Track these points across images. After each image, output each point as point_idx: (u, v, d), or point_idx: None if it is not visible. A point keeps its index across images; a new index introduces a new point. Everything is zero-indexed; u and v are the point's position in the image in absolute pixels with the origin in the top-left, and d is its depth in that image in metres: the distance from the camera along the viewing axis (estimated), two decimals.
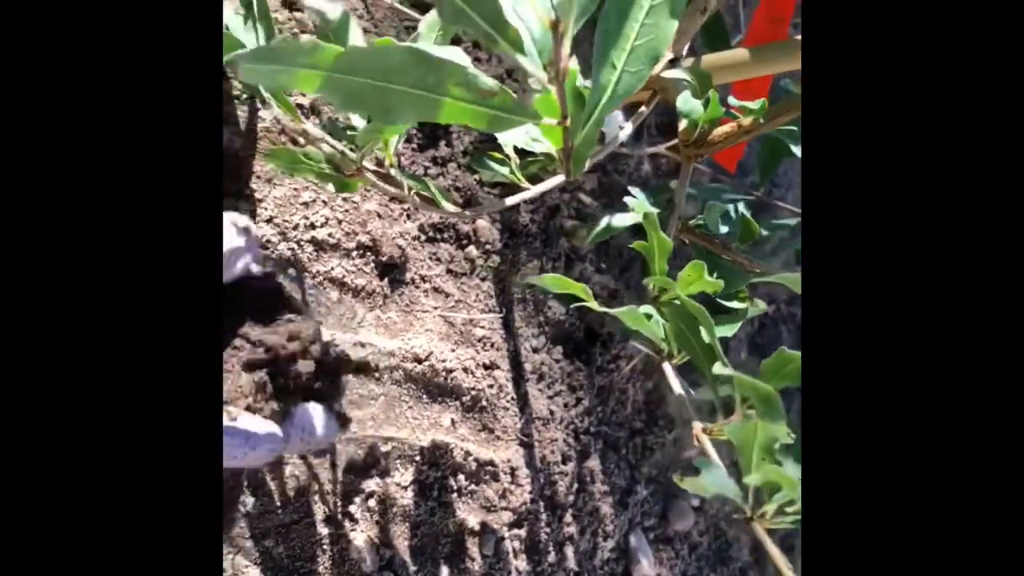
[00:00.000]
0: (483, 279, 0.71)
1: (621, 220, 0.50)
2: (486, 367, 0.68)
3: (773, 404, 0.33)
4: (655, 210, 0.43)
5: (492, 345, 0.70)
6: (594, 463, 0.76)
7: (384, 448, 0.62)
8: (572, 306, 0.40)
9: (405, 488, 0.62)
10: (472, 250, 0.70)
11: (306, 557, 0.58)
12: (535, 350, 0.74)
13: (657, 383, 0.85)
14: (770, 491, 0.36)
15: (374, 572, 0.60)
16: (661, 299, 0.44)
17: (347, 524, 0.60)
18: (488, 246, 0.71)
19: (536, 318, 0.74)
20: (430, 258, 0.68)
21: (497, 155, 0.52)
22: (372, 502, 0.61)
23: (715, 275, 0.45)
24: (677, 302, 0.41)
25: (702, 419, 0.40)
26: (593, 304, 0.40)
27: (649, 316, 0.44)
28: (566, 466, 0.73)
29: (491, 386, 0.68)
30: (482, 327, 0.69)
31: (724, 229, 0.51)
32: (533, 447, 0.70)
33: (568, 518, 0.72)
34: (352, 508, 0.60)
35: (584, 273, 0.77)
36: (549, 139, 0.39)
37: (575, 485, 0.73)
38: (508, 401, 0.69)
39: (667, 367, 0.44)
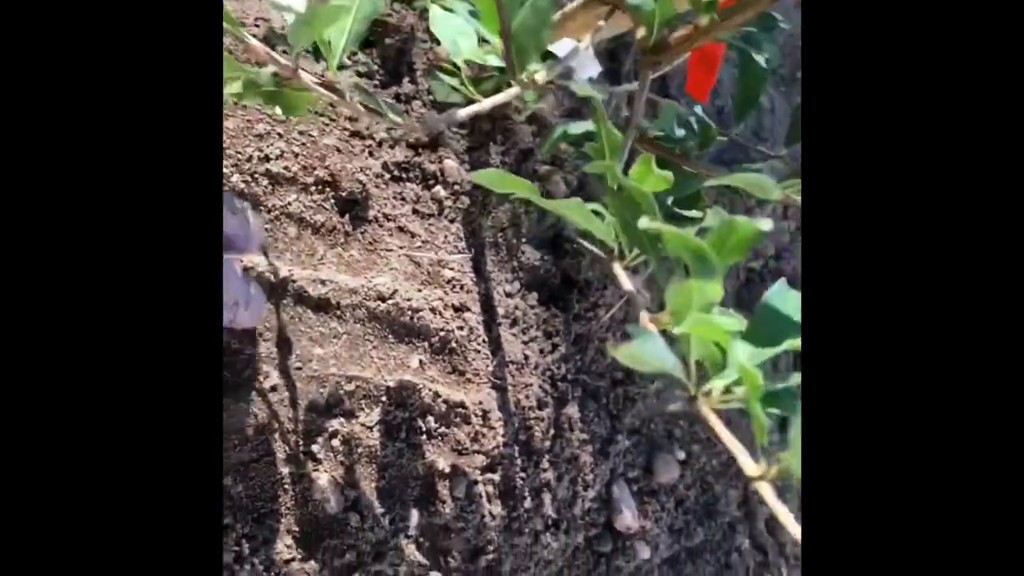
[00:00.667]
0: (452, 220, 0.69)
1: (577, 127, 0.48)
2: (456, 309, 0.67)
3: (706, 261, 0.32)
4: (600, 95, 0.41)
5: (462, 287, 0.68)
6: (572, 411, 0.74)
7: (348, 387, 0.61)
8: (513, 196, 0.39)
9: (370, 428, 0.61)
10: (440, 190, 0.68)
11: (267, 497, 0.57)
12: (508, 295, 0.72)
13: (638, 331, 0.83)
14: (714, 366, 0.34)
15: (339, 513, 0.59)
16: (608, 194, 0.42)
17: (309, 464, 0.59)
18: (456, 187, 0.69)
19: (509, 263, 0.73)
20: (395, 197, 0.67)
21: (447, 66, 0.51)
22: (336, 442, 0.60)
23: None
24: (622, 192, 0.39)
25: (653, 310, 0.39)
26: (539, 199, 0.38)
27: (598, 214, 0.42)
28: (542, 411, 0.71)
29: (461, 328, 0.67)
30: (451, 269, 0.68)
31: (680, 132, 0.49)
32: (507, 391, 0.69)
33: (545, 464, 0.71)
34: (315, 448, 0.59)
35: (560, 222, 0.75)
36: (487, 26, 0.37)
37: (552, 431, 0.72)
38: (480, 344, 0.68)
39: (617, 267, 0.42)
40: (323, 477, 0.59)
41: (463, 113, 0.47)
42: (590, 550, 0.76)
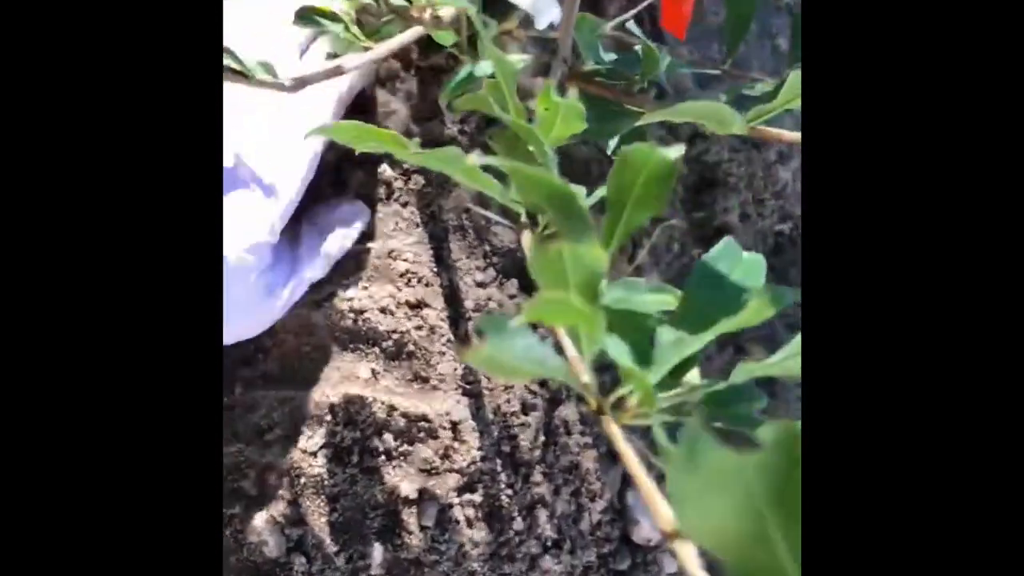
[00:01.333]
0: (404, 204, 0.60)
1: (485, 66, 0.38)
2: (411, 306, 0.57)
3: (574, 212, 0.22)
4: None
5: (419, 280, 0.59)
6: (568, 411, 0.64)
7: (282, 409, 0.52)
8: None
9: (313, 455, 0.52)
10: (386, 170, 0.59)
11: None
12: (480, 284, 0.62)
13: None
14: (624, 372, 0.24)
15: (280, 556, 0.50)
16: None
17: (239, 503, 0.50)
18: (407, 165, 0.60)
19: (480, 247, 0.63)
20: (331, 185, 0.57)
21: (324, 8, 0.41)
22: (271, 475, 0.51)
23: (594, 119, 0.33)
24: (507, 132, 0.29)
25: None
26: (405, 153, 0.29)
27: (489, 168, 0.32)
28: (528, 416, 0.61)
29: (419, 328, 0.57)
30: (404, 260, 0.58)
31: (609, 57, 0.39)
32: (481, 396, 0.59)
33: (537, 477, 0.61)
34: (245, 484, 0.50)
35: None
36: None
37: (542, 438, 0.62)
38: (444, 345, 0.58)
39: (527, 236, 0.32)
40: (258, 516, 0.50)
41: (349, 63, 0.38)
42: (605, 569, 0.66)
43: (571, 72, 0.39)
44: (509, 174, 0.29)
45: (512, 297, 0.64)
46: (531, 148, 0.29)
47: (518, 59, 0.33)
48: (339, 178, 0.58)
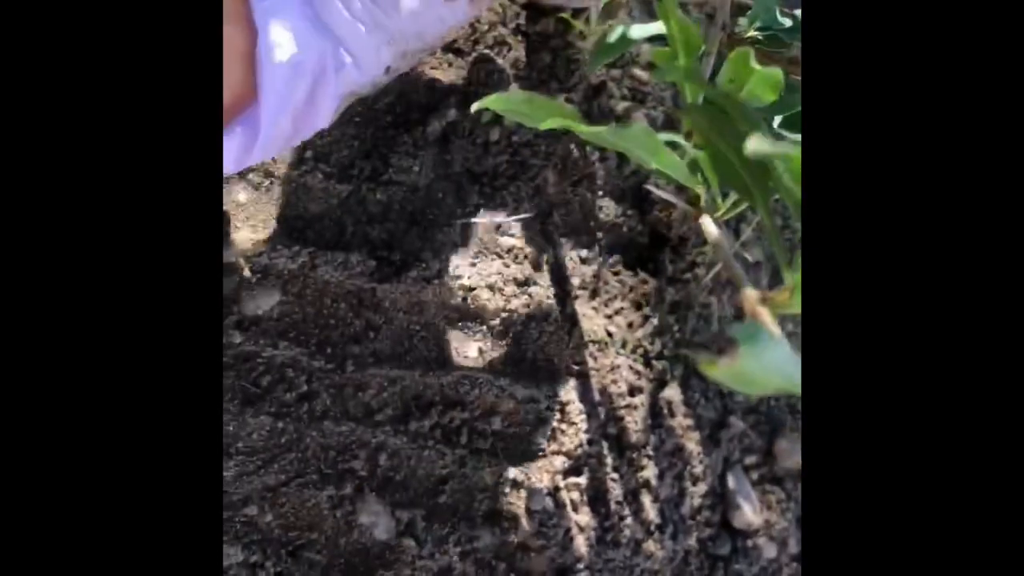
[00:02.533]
0: (510, 178, 0.58)
1: (641, 29, 0.36)
2: (519, 283, 0.56)
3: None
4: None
5: (525, 257, 0.57)
6: (673, 393, 0.62)
7: (392, 389, 0.51)
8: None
9: (423, 436, 0.51)
10: (492, 143, 0.57)
11: (302, 526, 0.48)
12: (585, 261, 0.60)
13: None
14: None
15: (390, 539, 0.49)
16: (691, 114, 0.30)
17: (350, 484, 0.49)
18: (515, 137, 0.58)
19: (585, 223, 0.61)
20: (437, 157, 0.55)
21: None
22: (382, 456, 0.50)
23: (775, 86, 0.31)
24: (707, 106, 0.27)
25: (759, 286, 0.26)
26: (583, 128, 0.27)
27: (675, 146, 0.30)
28: (635, 398, 0.59)
29: (527, 306, 0.55)
30: (511, 235, 0.56)
31: (787, 23, 0.35)
32: (589, 377, 0.57)
33: (642, 460, 0.59)
34: (356, 464, 0.49)
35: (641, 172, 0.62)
36: None
37: (648, 420, 0.60)
38: (551, 324, 0.56)
39: (707, 222, 0.30)
40: (369, 498, 0.49)
41: None
42: (704, 554, 0.64)
43: (729, 39, 0.36)
44: (708, 157, 0.26)
45: (616, 273, 0.62)
46: (733, 116, 0.26)
47: (689, 25, 0.30)
48: (446, 152, 0.56)
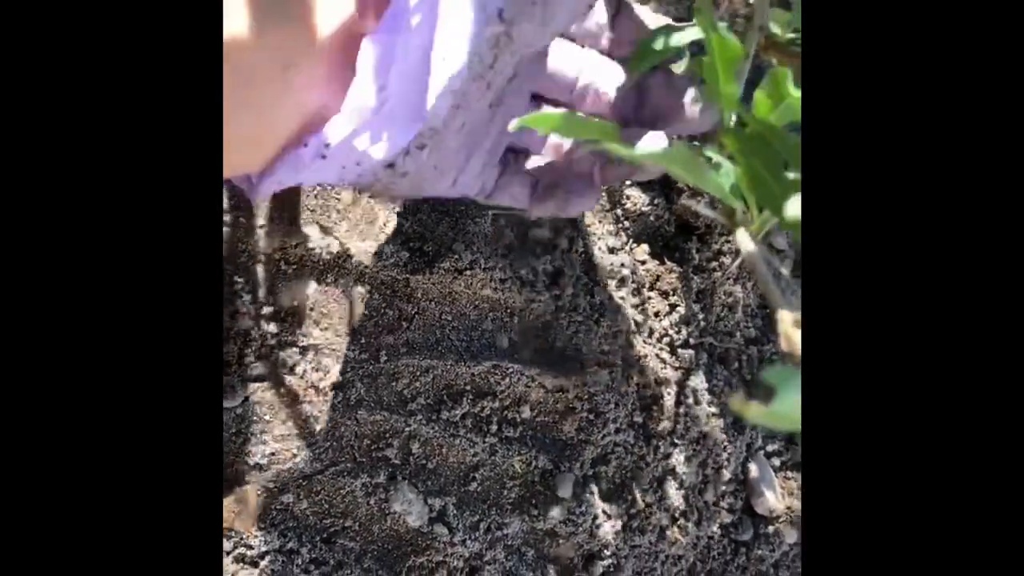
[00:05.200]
0: None
1: (681, 35, 0.36)
2: (548, 274, 0.56)
3: None
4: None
5: (555, 247, 0.57)
6: (698, 381, 0.62)
7: (425, 379, 0.51)
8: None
9: (455, 424, 0.51)
10: None
11: (336, 513, 0.49)
12: (612, 250, 0.60)
13: None
14: None
15: (423, 526, 0.50)
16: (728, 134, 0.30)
17: (384, 471, 0.50)
18: None
19: (611, 212, 0.61)
20: None
21: None
22: (415, 444, 0.51)
23: None
24: (747, 130, 0.27)
25: (795, 308, 0.27)
26: (622, 149, 0.27)
27: (710, 160, 0.30)
28: (661, 387, 0.60)
29: (557, 297, 0.56)
30: (540, 226, 0.57)
31: None
32: (616, 367, 0.57)
33: (667, 448, 0.60)
34: (389, 452, 0.50)
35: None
36: None
37: (674, 409, 0.60)
38: (581, 314, 0.57)
39: (742, 234, 0.30)
40: (402, 486, 0.50)
41: None
42: (727, 539, 0.65)
43: (766, 41, 0.36)
44: (745, 176, 0.27)
45: (642, 263, 0.62)
46: (771, 141, 0.26)
47: (731, 40, 0.30)
48: None
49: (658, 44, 0.35)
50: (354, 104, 0.31)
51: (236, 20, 0.28)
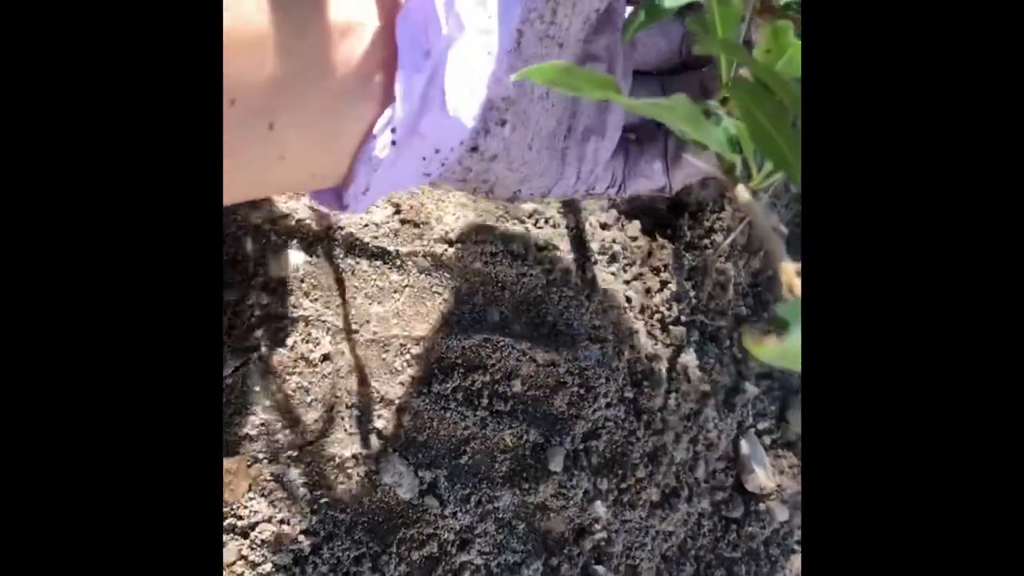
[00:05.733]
0: None
1: None
2: (539, 248, 0.56)
3: None
4: None
5: (546, 221, 0.57)
6: (688, 358, 0.63)
7: (415, 351, 0.51)
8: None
9: (445, 397, 0.51)
10: None
11: (326, 484, 0.49)
12: (604, 226, 0.60)
13: (766, 262, 0.70)
14: None
15: (414, 498, 0.50)
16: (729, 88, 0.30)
17: (375, 442, 0.50)
18: None
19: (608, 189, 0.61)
20: None
21: None
22: (405, 416, 0.50)
23: None
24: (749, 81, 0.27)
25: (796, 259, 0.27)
26: (624, 99, 0.27)
27: (709, 114, 0.30)
28: (652, 363, 0.60)
29: (548, 271, 0.56)
30: (532, 200, 0.56)
31: None
32: (607, 342, 0.57)
33: (658, 424, 0.60)
34: (379, 424, 0.50)
35: None
36: None
37: (665, 385, 0.60)
38: (572, 289, 0.57)
39: (742, 191, 0.30)
40: (392, 458, 0.50)
41: None
42: (717, 516, 0.65)
43: (762, 4, 0.36)
44: (746, 128, 0.27)
45: (634, 239, 0.62)
46: (775, 90, 0.26)
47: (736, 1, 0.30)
48: None
49: (648, 6, 0.35)
50: (405, 82, 0.30)
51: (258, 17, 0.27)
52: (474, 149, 0.32)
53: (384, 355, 0.50)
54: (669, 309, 0.62)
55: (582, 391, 0.56)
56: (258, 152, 0.28)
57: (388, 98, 0.30)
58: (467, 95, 0.31)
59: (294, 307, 0.49)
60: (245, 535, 0.47)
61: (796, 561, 0.69)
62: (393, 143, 0.30)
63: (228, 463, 0.46)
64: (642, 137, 0.43)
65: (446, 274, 0.52)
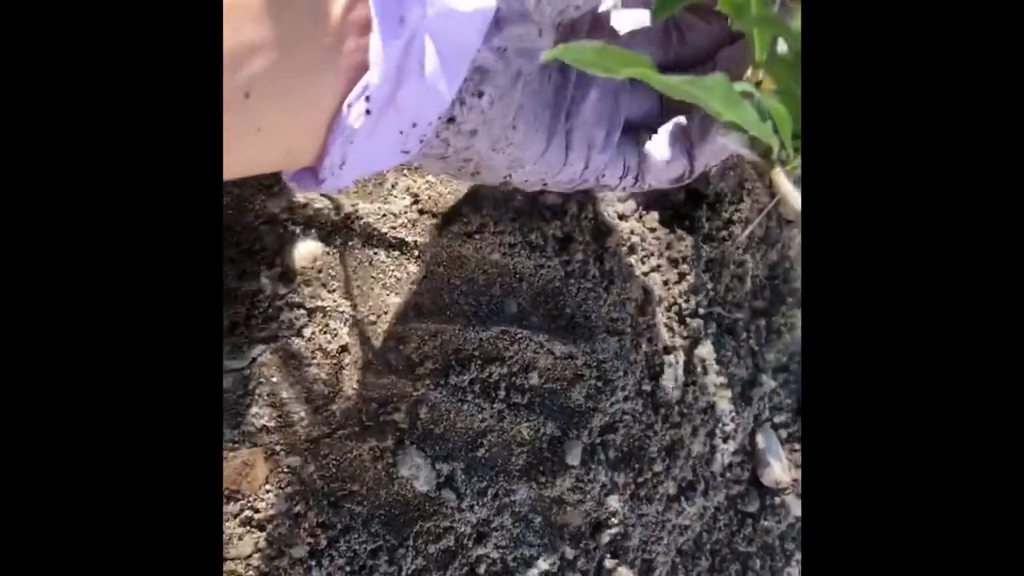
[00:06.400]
0: None
1: None
2: (558, 240, 0.55)
3: None
4: None
5: (565, 213, 0.56)
6: (706, 351, 0.62)
7: (433, 342, 0.51)
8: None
9: (463, 389, 0.51)
10: None
11: (344, 477, 0.48)
12: (622, 217, 0.60)
13: (783, 253, 0.69)
14: None
15: (431, 491, 0.50)
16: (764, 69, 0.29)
17: (391, 436, 0.49)
18: None
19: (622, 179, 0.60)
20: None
21: None
22: (422, 408, 0.50)
23: None
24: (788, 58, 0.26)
25: None
26: (660, 79, 0.26)
27: (746, 95, 0.29)
28: (670, 355, 0.59)
29: (566, 263, 0.55)
30: (551, 192, 0.56)
31: None
32: (625, 335, 0.57)
33: (675, 418, 0.59)
34: (397, 416, 0.49)
35: None
36: None
37: (682, 378, 0.60)
38: (590, 281, 0.56)
39: (779, 175, 0.29)
40: (409, 450, 0.49)
41: None
42: (733, 510, 0.65)
43: None
44: (784, 107, 0.26)
45: (652, 230, 0.61)
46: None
47: None
48: None
49: None
50: (380, 50, 0.29)
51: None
52: (451, 120, 0.32)
53: (402, 347, 0.50)
54: (687, 301, 0.62)
55: (600, 384, 0.55)
56: (235, 123, 0.28)
57: (364, 67, 0.30)
58: (444, 64, 0.30)
59: (312, 298, 0.48)
60: (262, 528, 0.46)
61: None
62: (368, 112, 0.29)
63: (246, 455, 0.46)
64: (654, 126, 0.42)
65: (464, 265, 0.52)
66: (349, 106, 0.30)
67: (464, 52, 0.30)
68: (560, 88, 0.36)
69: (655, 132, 0.41)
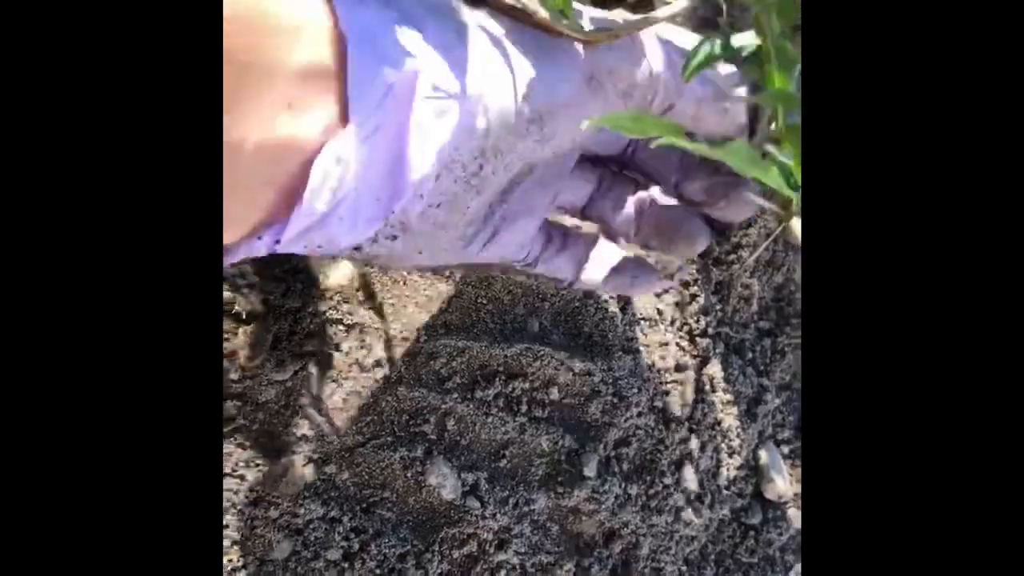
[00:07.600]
0: None
1: (742, 38, 0.37)
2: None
3: None
4: None
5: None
6: (714, 369, 0.65)
7: (461, 358, 0.53)
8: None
9: (488, 403, 0.54)
10: None
11: (376, 484, 0.51)
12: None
13: (788, 276, 0.73)
14: None
15: (456, 499, 0.52)
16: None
17: (421, 446, 0.52)
18: None
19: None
20: None
21: None
22: (450, 420, 0.53)
23: None
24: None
25: None
26: (690, 145, 0.29)
27: (765, 155, 0.32)
28: (680, 374, 0.62)
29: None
30: (572, 216, 0.59)
31: None
32: (639, 353, 0.60)
33: (684, 433, 0.62)
34: (426, 428, 0.52)
35: None
36: None
37: (692, 395, 0.63)
38: (605, 301, 0.59)
39: (796, 224, 0.32)
40: (437, 460, 0.52)
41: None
42: (737, 523, 0.68)
43: None
44: (800, 166, 0.29)
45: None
46: None
47: (790, 48, 0.32)
48: None
49: (705, 51, 0.37)
50: (307, 208, 0.28)
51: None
52: (357, 249, 0.32)
53: (432, 362, 0.53)
54: (697, 322, 0.65)
55: (615, 400, 0.58)
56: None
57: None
58: (366, 220, 0.30)
59: (349, 315, 0.51)
60: (300, 532, 0.49)
61: None
62: (277, 243, 0.29)
63: (286, 462, 0.49)
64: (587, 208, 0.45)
65: (491, 285, 0.55)
66: (260, 238, 0.29)
67: (382, 216, 0.30)
68: (470, 222, 0.35)
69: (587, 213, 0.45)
